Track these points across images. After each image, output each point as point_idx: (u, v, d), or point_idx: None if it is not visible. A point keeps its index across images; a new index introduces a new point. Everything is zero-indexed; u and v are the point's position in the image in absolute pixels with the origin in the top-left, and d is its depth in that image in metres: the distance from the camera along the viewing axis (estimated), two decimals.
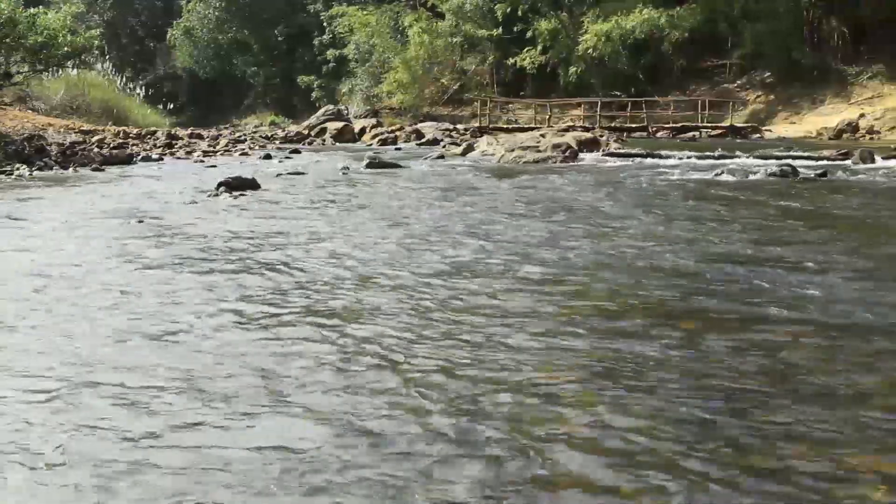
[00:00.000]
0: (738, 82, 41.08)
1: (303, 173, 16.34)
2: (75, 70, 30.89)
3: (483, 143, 23.44)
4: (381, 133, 32.70)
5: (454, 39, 47.86)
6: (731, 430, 3.32)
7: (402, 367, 4.10)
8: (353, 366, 4.15)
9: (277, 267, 6.58)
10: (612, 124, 35.44)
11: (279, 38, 59.20)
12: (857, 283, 5.90)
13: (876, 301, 5.35)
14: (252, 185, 13.02)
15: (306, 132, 34.68)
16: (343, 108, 41.60)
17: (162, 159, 21.55)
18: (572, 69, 42.43)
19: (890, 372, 3.99)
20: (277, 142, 31.99)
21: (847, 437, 3.26)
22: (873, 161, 17.80)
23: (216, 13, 59.93)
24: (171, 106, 46.02)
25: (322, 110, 38.23)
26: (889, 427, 3.34)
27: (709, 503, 2.78)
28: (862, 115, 31.10)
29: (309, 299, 5.54)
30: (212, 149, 25.48)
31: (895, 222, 9.32)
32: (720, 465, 3.02)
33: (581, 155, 20.35)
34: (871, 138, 28.56)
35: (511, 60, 45.33)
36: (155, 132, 29.06)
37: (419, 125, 36.02)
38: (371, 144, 30.47)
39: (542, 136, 22.05)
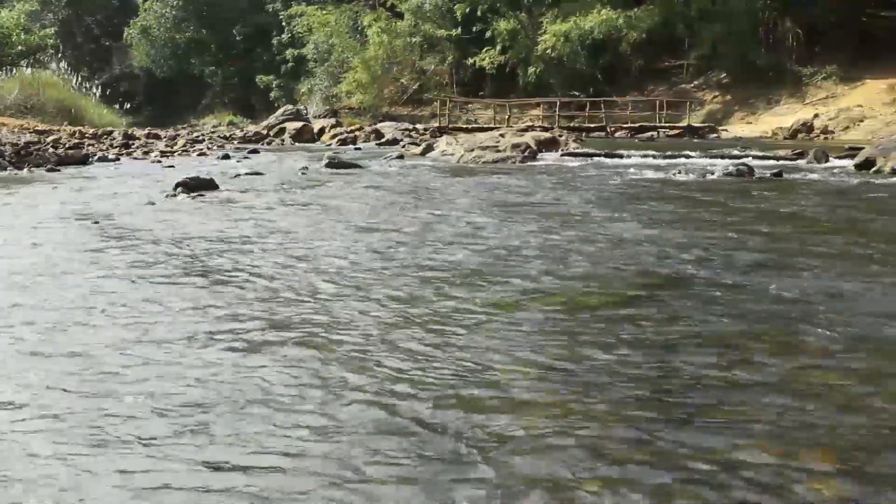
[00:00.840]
0: (696, 83, 41.54)
1: (261, 174, 16.25)
2: (30, 69, 30.54)
3: (443, 142, 23.46)
4: (341, 133, 32.63)
5: (413, 39, 47.94)
6: (688, 427, 3.35)
7: (368, 368, 4.09)
8: (317, 369, 4.13)
9: (236, 270, 6.51)
10: (571, 124, 35.69)
11: (237, 38, 58.94)
12: (813, 279, 5.97)
13: (831, 296, 5.42)
14: (210, 185, 12.93)
15: (265, 132, 34.54)
16: (302, 108, 41.47)
17: (119, 160, 21.33)
18: (531, 69, 42.65)
19: (846, 366, 4.05)
20: (236, 142, 31.84)
21: (801, 431, 3.29)
22: (827, 161, 18.05)
23: (173, 12, 59.54)
24: (128, 106, 45.58)
25: (281, 110, 38.09)
26: (843, 421, 3.39)
27: (664, 499, 2.80)
28: (816, 116, 31.53)
29: (268, 303, 5.51)
30: (169, 149, 25.28)
31: (848, 220, 9.44)
32: (675, 461, 3.04)
33: (540, 155, 20.44)
34: (826, 138, 28.95)
35: (470, 60, 45.52)
36: (111, 132, 28.78)
37: (379, 125, 36.00)
38: (330, 144, 30.41)
39: (502, 135, 22.11)
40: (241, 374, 4.01)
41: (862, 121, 30.34)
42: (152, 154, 23.36)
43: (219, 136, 34.37)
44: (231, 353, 4.33)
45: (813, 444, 3.18)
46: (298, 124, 34.70)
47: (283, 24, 53.88)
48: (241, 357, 4.27)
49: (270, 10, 56.27)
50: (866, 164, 15.91)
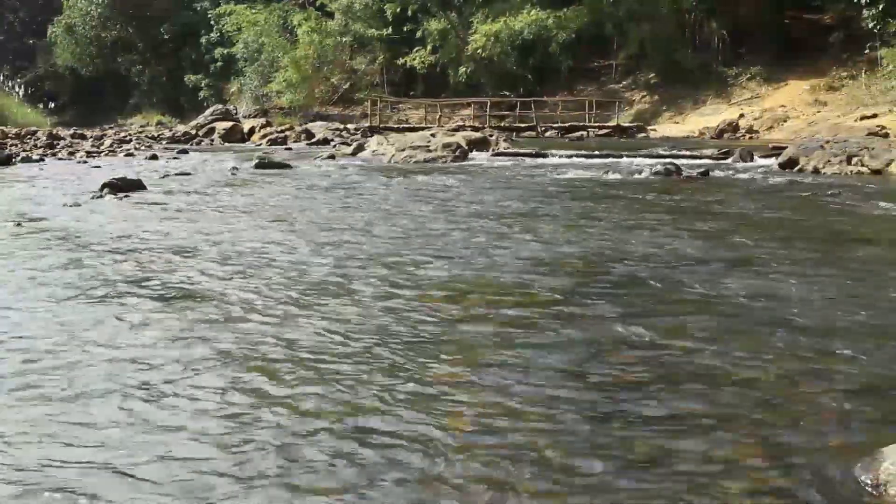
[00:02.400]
0: (624, 83, 42.02)
1: (190, 174, 16.07)
2: None
3: (374, 142, 23.43)
4: (271, 133, 32.38)
5: (344, 39, 47.77)
6: (616, 422, 3.39)
7: (294, 368, 4.07)
8: (237, 372, 4.11)
9: (162, 273, 6.43)
10: (502, 124, 35.89)
11: (165, 36, 58.10)
12: (738, 276, 6.08)
13: (756, 292, 5.53)
14: (138, 185, 12.76)
15: (194, 132, 34.14)
16: (232, 107, 41.07)
17: (43, 160, 20.92)
18: (462, 69, 42.78)
19: (769, 359, 4.13)
20: (164, 142, 31.43)
21: (724, 424, 3.36)
22: (752, 160, 18.41)
23: (98, 10, 58.42)
24: (53, 105, 44.78)
25: (210, 110, 37.68)
26: (768, 415, 3.46)
27: (595, 492, 2.84)
28: (742, 116, 32.11)
29: (193, 302, 5.46)
30: (96, 149, 24.88)
31: (772, 218, 9.64)
32: (605, 456, 3.07)
33: (471, 154, 20.52)
34: (751, 138, 29.48)
35: (401, 60, 45.52)
36: (35, 132, 28.27)
37: (309, 125, 35.80)
38: (260, 144, 30.17)
39: (433, 135, 22.15)
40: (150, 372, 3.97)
41: (785, 121, 30.95)
42: (78, 154, 22.96)
43: (147, 137, 33.92)
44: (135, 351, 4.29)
45: (740, 437, 3.25)
46: (228, 124, 34.36)
47: (212, 22, 53.20)
48: (149, 351, 4.24)
49: (199, 8, 55.56)
50: (790, 163, 16.25)
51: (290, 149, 27.10)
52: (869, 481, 2.81)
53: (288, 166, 18.19)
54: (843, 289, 5.69)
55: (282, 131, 33.03)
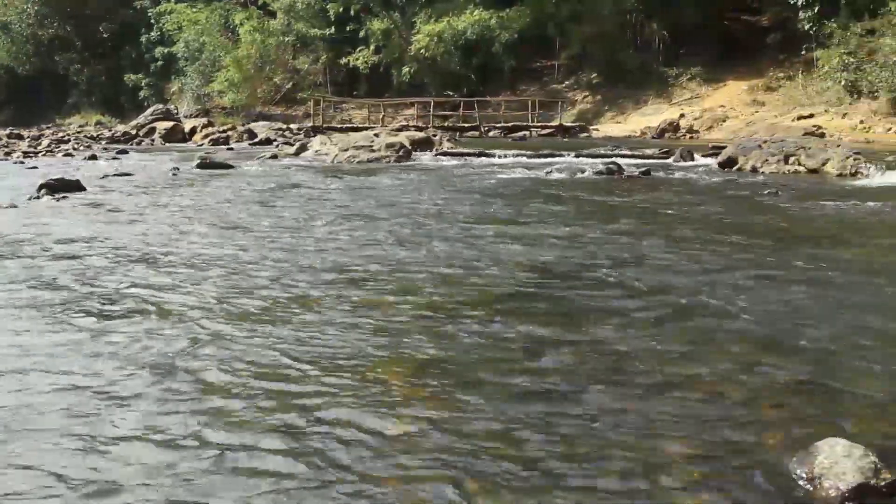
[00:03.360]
0: (567, 83, 42.23)
1: (130, 174, 15.86)
2: None
3: (317, 142, 23.31)
4: (213, 133, 32.07)
5: (286, 38, 47.45)
6: (558, 419, 3.42)
7: (233, 370, 4.05)
8: (175, 374, 4.07)
9: (101, 278, 6.34)
10: (445, 124, 35.90)
11: (104, 35, 57.18)
12: (678, 275, 6.16)
13: (696, 290, 5.60)
14: (76, 186, 12.57)
15: (134, 132, 33.71)
16: (173, 107, 40.52)
17: None
18: (405, 69, 42.70)
19: (707, 356, 4.19)
20: (104, 142, 31.00)
21: (665, 422, 3.40)
22: (692, 159, 18.66)
23: (35, 7, 57.37)
24: None
25: (151, 109, 37.18)
26: (706, 411, 3.51)
27: (535, 488, 2.86)
28: (682, 116, 32.47)
29: (133, 308, 5.41)
30: (33, 149, 24.48)
31: (711, 216, 9.76)
32: (547, 452, 3.10)
33: (415, 154, 20.53)
34: (691, 137, 29.82)
35: (344, 60, 45.29)
36: None
37: (252, 125, 35.52)
38: (202, 144, 29.87)
39: (376, 135, 22.12)
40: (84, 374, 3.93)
41: (725, 120, 31.36)
42: (14, 154, 22.56)
43: (86, 137, 33.44)
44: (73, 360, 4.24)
45: (678, 433, 3.29)
46: (169, 124, 33.96)
47: (152, 21, 52.54)
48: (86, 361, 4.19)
49: (138, 6, 54.79)
50: (729, 163, 16.49)
51: (232, 149, 26.87)
52: (804, 475, 2.87)
53: (230, 166, 18.04)
54: (780, 286, 5.79)
55: (224, 131, 32.72)
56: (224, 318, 5.04)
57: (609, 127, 34.98)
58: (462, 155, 20.92)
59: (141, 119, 35.74)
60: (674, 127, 31.44)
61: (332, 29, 45.60)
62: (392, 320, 4.95)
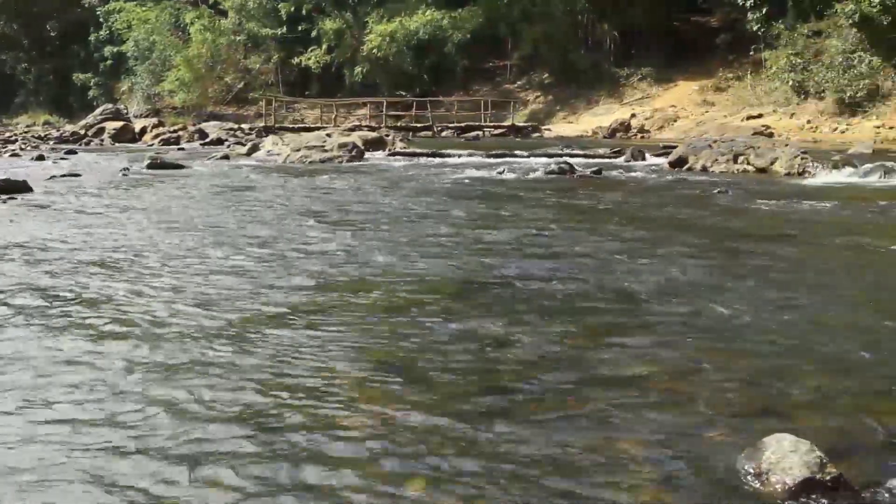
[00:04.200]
0: (519, 83, 42.42)
1: (79, 175, 15.64)
2: None
3: (269, 142, 23.18)
4: (163, 133, 31.74)
5: (238, 38, 47.14)
6: (507, 420, 3.43)
7: (182, 372, 4.02)
8: (126, 376, 4.03)
9: (49, 281, 6.26)
10: (398, 124, 35.88)
11: (52, 34, 56.37)
12: (629, 273, 6.21)
13: (646, 288, 5.65)
14: (23, 187, 12.37)
15: (83, 132, 33.24)
16: (122, 107, 40.04)
17: None
18: (358, 69, 42.64)
19: (656, 354, 4.22)
20: (52, 142, 30.55)
21: (617, 420, 3.43)
22: (643, 159, 18.83)
23: None
24: None
25: (100, 109, 36.66)
26: (656, 408, 3.54)
27: (486, 490, 2.87)
28: (633, 115, 32.76)
29: (80, 306, 5.34)
30: None
31: (661, 215, 9.86)
32: (501, 454, 3.11)
33: (367, 154, 20.50)
34: (642, 137, 30.11)
35: (296, 60, 45.10)
36: None
37: (203, 125, 35.19)
38: (152, 144, 29.56)
39: (329, 135, 22.06)
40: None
41: (675, 120, 31.69)
42: None
43: (33, 137, 32.93)
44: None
45: (627, 431, 3.32)
46: (119, 124, 33.53)
47: (101, 20, 51.90)
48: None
49: (87, 5, 54.07)
50: (679, 162, 16.65)
51: (182, 149, 26.63)
52: (752, 470, 2.91)
53: (181, 167, 17.87)
54: (727, 284, 5.85)
55: (174, 131, 32.40)
56: (170, 319, 4.99)
57: (561, 127, 35.17)
58: (415, 155, 20.92)
59: (90, 119, 35.24)
60: (625, 127, 31.71)
61: (284, 28, 45.40)
62: (344, 320, 4.94)
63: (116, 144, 30.67)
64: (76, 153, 24.07)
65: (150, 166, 17.48)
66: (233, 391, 3.76)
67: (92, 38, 53.38)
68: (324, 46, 43.99)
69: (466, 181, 14.61)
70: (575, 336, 4.60)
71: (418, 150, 21.86)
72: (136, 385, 3.85)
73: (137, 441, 3.22)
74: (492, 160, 19.10)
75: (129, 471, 2.99)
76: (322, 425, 3.37)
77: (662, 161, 17.74)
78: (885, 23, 26.18)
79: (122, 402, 3.64)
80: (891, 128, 24.56)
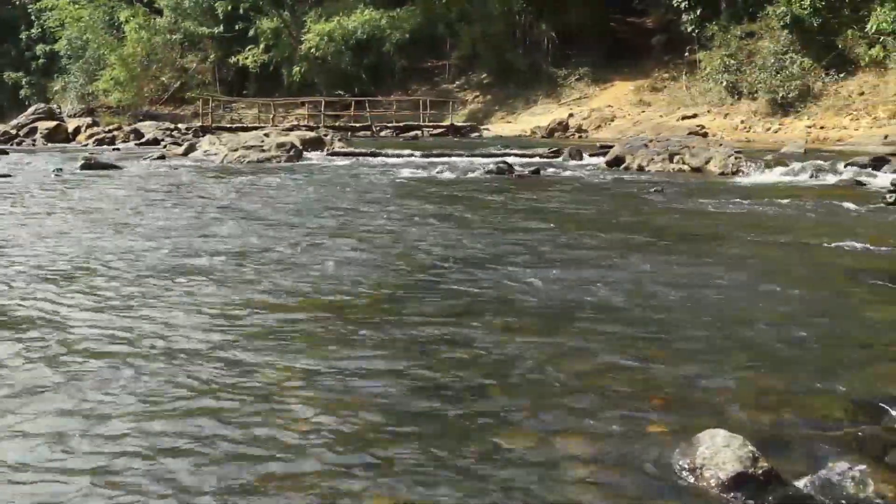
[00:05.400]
0: (457, 83, 42.53)
1: (9, 175, 15.36)
2: None
3: (206, 142, 22.95)
4: (98, 133, 31.26)
5: (174, 37, 46.64)
6: (449, 421, 3.44)
7: (109, 375, 3.97)
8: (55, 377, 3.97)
9: None
10: (337, 123, 35.72)
11: None
12: (565, 271, 6.25)
13: (582, 286, 5.69)
14: None
15: (14, 132, 32.61)
16: (55, 106, 39.38)
17: None
18: (296, 68, 42.43)
19: (593, 352, 4.26)
20: None
21: (554, 419, 3.46)
22: (581, 158, 18.99)
23: None
24: None
25: (32, 109, 35.99)
26: (564, 406, 3.58)
27: (425, 488, 2.88)
28: (571, 115, 32.99)
29: (7, 314, 5.25)
30: None
31: (598, 214, 9.96)
32: (439, 454, 3.12)
33: (306, 154, 20.39)
34: (580, 136, 30.33)
35: (234, 59, 44.74)
36: None
37: (138, 124, 34.70)
38: (87, 144, 29.10)
39: (266, 135, 21.91)
40: None
41: (612, 120, 32.00)
42: None
43: None
44: None
45: (564, 429, 3.35)
46: (51, 124, 32.96)
47: (33, 17, 51.03)
48: None
49: (18, 2, 53.10)
50: (616, 161, 16.82)
51: (118, 149, 26.25)
52: (686, 466, 2.95)
53: (116, 167, 17.63)
54: (661, 281, 5.93)
55: (109, 131, 31.92)
56: (97, 320, 4.92)
57: (500, 126, 35.31)
58: (354, 155, 20.87)
59: (21, 119, 34.57)
60: (563, 126, 31.93)
61: (221, 27, 45.04)
62: (278, 322, 4.91)
63: (49, 144, 30.13)
64: (7, 153, 23.60)
65: (84, 167, 17.22)
66: (160, 394, 3.73)
67: (23, 36, 52.44)
68: (261, 46, 43.71)
69: (405, 181, 14.61)
70: (508, 334, 4.62)
71: (357, 150, 21.80)
72: (52, 388, 3.80)
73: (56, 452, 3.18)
74: (431, 160, 19.12)
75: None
76: (249, 428, 3.36)
77: (600, 160, 17.91)
78: (815, 24, 26.76)
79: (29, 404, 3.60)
80: (821, 128, 25.04)
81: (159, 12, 46.95)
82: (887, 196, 10.39)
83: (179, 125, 36.17)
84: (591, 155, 19.32)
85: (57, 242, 7.83)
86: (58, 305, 5.32)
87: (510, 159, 17.59)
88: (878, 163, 14.32)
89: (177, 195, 12.10)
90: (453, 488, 2.87)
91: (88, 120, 35.75)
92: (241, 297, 5.54)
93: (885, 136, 21.40)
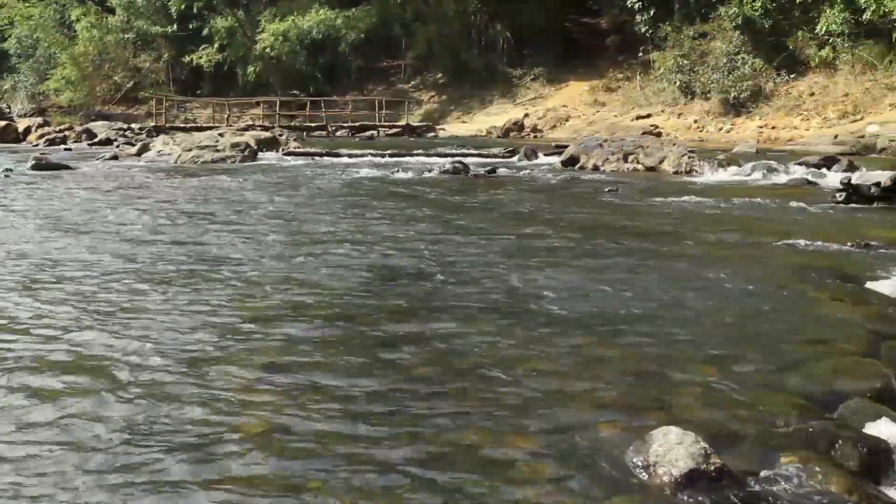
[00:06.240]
0: (413, 83, 42.51)
1: None
2: None
3: (159, 142, 22.72)
4: (49, 133, 30.81)
5: (126, 36, 46.11)
6: (400, 418, 3.45)
7: (66, 378, 3.93)
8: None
9: None
10: (292, 123, 35.55)
11: None
12: (520, 271, 6.28)
13: (536, 286, 5.72)
14: None
15: None
16: (5, 105, 38.86)
17: None
18: (250, 68, 42.17)
19: (547, 351, 4.29)
20: None
21: (508, 417, 3.47)
22: (536, 158, 19.09)
23: None
24: None
25: None
26: (546, 405, 3.60)
27: (379, 490, 2.88)
28: (527, 115, 33.11)
29: None
30: None
31: (553, 214, 9.99)
32: (390, 455, 3.12)
33: (261, 154, 20.28)
34: (535, 136, 30.46)
35: (187, 58, 44.37)
36: None
37: (91, 124, 34.24)
38: (37, 145, 28.65)
39: (221, 135, 21.76)
40: None
41: (567, 120, 32.16)
42: None
43: None
44: None
45: (519, 428, 3.36)
46: (0, 123, 32.52)
47: None
48: None
49: None
50: (571, 161, 16.90)
51: (70, 149, 25.87)
52: (640, 463, 2.98)
53: (68, 167, 17.41)
54: (616, 279, 5.98)
55: (61, 131, 31.47)
56: (50, 322, 4.88)
57: (455, 126, 35.36)
58: (309, 155, 20.80)
59: None
60: (518, 126, 32.05)
61: (175, 26, 44.65)
62: (232, 322, 4.89)
63: None
64: None
65: (34, 167, 16.98)
66: (116, 393, 3.70)
67: None
68: (216, 45, 43.40)
69: (361, 181, 14.58)
70: (463, 334, 4.63)
71: (312, 150, 21.72)
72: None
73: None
74: (386, 160, 19.13)
75: None
76: (211, 428, 3.34)
77: (555, 160, 17.98)
78: (766, 26, 27.14)
79: None
80: (773, 127, 25.37)
81: (111, 11, 46.41)
82: (837, 195, 10.54)
83: (133, 125, 35.75)
84: (546, 155, 19.41)
85: (6, 244, 7.73)
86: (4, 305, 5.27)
87: (466, 159, 17.62)
88: (828, 162, 14.56)
89: (130, 196, 11.97)
90: (403, 490, 2.88)
91: (39, 120, 35.24)
92: (192, 299, 5.51)
93: (835, 136, 21.70)
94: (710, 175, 14.43)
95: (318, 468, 3.02)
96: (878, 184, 10.46)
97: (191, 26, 44.03)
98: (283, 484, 2.91)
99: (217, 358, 4.22)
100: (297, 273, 6.34)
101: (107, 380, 3.92)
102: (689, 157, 15.31)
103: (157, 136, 27.64)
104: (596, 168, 16.17)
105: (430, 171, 15.77)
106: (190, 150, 19.53)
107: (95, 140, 29.06)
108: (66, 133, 31.00)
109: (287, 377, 3.95)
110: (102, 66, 45.86)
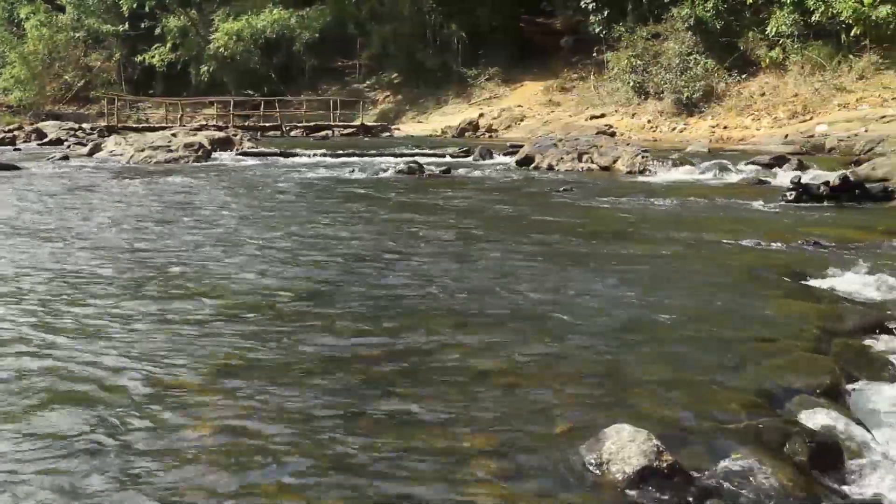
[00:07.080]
0: (368, 82, 42.48)
1: None
2: None
3: (111, 142, 22.46)
4: None
5: (77, 34, 45.60)
6: (358, 419, 3.44)
7: (26, 379, 3.88)
8: None
9: None
10: (246, 123, 35.34)
11: None
12: (475, 272, 6.29)
13: (491, 286, 5.74)
14: None
15: None
16: None
17: None
18: (204, 68, 41.92)
19: (501, 351, 4.29)
20: None
21: (462, 417, 3.48)
22: (491, 158, 19.17)
23: None
24: None
25: None
26: (490, 404, 3.60)
27: (342, 487, 2.88)
28: (481, 115, 33.21)
29: None
30: None
31: (507, 213, 10.05)
32: (348, 454, 3.11)
33: (215, 154, 20.15)
34: (490, 136, 30.56)
35: (140, 57, 43.99)
36: None
37: (41, 124, 33.82)
38: None
39: (174, 135, 21.56)
40: None
41: (522, 120, 32.29)
42: None
43: None
44: None
45: (474, 428, 3.36)
46: None
47: None
48: None
49: None
50: (526, 161, 16.99)
51: (19, 149, 25.50)
52: (593, 461, 3.00)
53: (16, 168, 17.15)
54: (569, 279, 6.01)
55: (10, 131, 31.04)
56: (10, 325, 4.81)
57: (410, 126, 35.38)
58: (263, 155, 20.71)
59: None
60: (473, 126, 32.15)
61: (126, 25, 44.26)
62: (185, 325, 4.85)
63: None
64: None
65: None
66: (70, 396, 3.66)
67: None
68: (168, 44, 43.10)
69: (316, 181, 14.54)
70: (416, 334, 4.63)
71: (267, 150, 21.63)
72: None
73: None
74: (342, 160, 19.10)
75: None
76: (165, 430, 3.32)
77: (510, 160, 18.07)
78: (718, 27, 27.47)
79: None
80: (725, 127, 25.67)
81: (62, 9, 45.90)
82: (787, 194, 10.69)
83: (84, 125, 35.34)
84: (501, 154, 19.53)
85: None
86: None
87: (421, 159, 17.63)
88: (778, 161, 14.80)
89: (79, 196, 11.83)
90: (356, 491, 2.87)
91: None
92: (140, 297, 5.46)
93: (786, 136, 22.03)
94: (664, 174, 14.57)
95: (263, 470, 3.00)
96: (826, 183, 10.66)
97: (143, 25, 43.68)
98: (223, 483, 2.89)
99: (167, 358, 4.18)
100: (243, 275, 6.28)
101: (45, 380, 3.88)
102: (643, 157, 15.44)
103: (108, 136, 27.33)
104: (550, 168, 16.25)
105: (384, 170, 15.76)
106: (143, 150, 19.35)
107: (46, 140, 28.70)
108: (16, 133, 30.56)
109: (238, 381, 3.91)
110: (52, 64, 45.34)
